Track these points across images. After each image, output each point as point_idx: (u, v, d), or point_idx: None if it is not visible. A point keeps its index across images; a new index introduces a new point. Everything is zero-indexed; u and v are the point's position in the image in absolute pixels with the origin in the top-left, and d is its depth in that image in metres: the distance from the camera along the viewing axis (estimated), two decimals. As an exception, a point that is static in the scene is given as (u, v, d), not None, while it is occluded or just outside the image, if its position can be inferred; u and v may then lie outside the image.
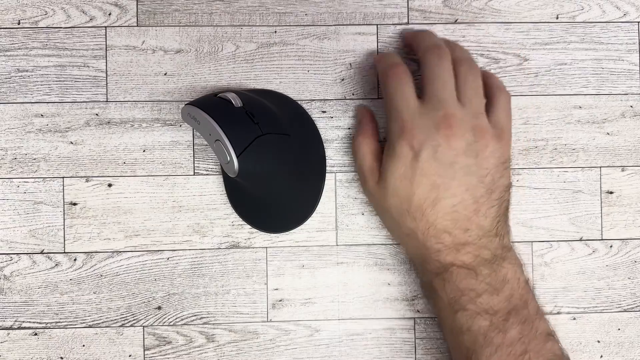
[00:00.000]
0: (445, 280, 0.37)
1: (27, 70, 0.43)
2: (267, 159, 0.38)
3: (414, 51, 0.42)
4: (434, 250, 0.37)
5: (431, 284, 0.38)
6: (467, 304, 0.37)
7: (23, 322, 0.42)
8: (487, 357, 0.36)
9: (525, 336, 0.37)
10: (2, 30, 0.43)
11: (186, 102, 0.40)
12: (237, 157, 0.37)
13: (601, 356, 0.44)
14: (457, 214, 0.37)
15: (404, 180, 0.37)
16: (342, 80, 0.44)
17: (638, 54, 0.44)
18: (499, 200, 0.38)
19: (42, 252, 0.42)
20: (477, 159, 0.38)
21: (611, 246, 0.44)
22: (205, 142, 0.42)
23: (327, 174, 0.43)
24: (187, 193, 0.43)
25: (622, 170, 0.44)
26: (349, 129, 0.43)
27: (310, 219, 0.43)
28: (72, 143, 0.43)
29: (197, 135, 0.43)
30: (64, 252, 0.42)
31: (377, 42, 0.44)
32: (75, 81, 0.43)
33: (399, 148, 0.37)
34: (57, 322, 0.42)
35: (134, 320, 0.43)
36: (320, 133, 0.43)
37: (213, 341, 0.43)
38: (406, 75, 0.39)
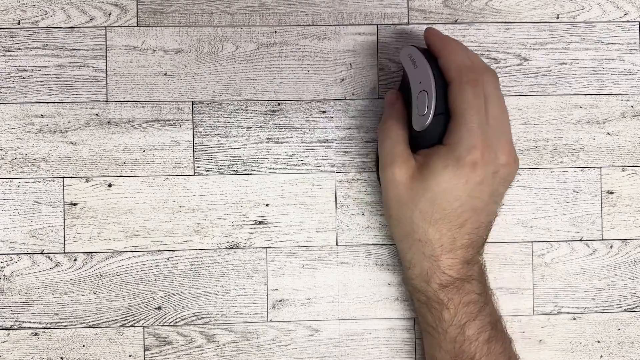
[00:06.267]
0: (456, 290, 0.37)
1: (27, 70, 0.43)
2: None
3: (436, 55, 0.39)
4: (447, 265, 0.37)
5: (436, 295, 0.37)
6: (477, 315, 0.37)
7: (23, 322, 0.42)
8: None
9: (506, 349, 0.38)
10: (2, 30, 0.43)
11: (409, 44, 0.40)
12: (434, 116, 0.37)
13: (601, 356, 0.44)
14: (475, 236, 0.38)
15: (451, 194, 0.36)
16: (342, 80, 0.44)
17: (639, 54, 0.44)
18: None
19: (42, 252, 0.42)
20: (505, 188, 0.38)
21: (611, 246, 0.44)
22: (206, 142, 0.42)
23: (327, 174, 0.43)
24: (187, 193, 0.43)
25: (623, 171, 0.44)
26: (349, 129, 0.43)
27: (310, 219, 0.43)
28: (72, 143, 0.43)
29: (197, 135, 0.43)
30: (64, 252, 0.42)
31: (377, 42, 0.44)
32: (75, 81, 0.43)
33: (462, 162, 0.35)
34: (57, 322, 0.42)
35: (134, 320, 0.43)
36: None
37: (213, 341, 0.43)
38: (482, 90, 0.37)
